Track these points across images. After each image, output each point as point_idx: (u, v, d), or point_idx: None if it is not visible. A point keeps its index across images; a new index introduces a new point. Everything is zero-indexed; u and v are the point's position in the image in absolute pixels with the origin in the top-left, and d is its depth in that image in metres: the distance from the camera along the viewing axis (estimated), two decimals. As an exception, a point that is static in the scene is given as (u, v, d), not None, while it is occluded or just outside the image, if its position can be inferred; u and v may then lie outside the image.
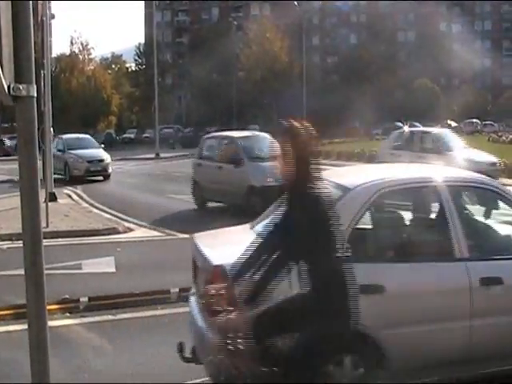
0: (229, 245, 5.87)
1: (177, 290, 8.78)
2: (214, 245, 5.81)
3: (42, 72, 16.49)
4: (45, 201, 14.01)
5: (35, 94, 3.03)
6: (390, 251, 5.44)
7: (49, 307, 4.04)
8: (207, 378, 5.99)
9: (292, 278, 4.23)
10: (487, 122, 72.84)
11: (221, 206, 17.69)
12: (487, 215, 6.21)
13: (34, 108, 3.05)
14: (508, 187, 6.16)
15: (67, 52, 77.85)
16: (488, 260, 5.42)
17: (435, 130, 25.23)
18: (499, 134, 53.77)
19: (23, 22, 2.96)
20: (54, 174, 27.18)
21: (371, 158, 28.48)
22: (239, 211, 14.46)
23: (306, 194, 3.92)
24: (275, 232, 4.15)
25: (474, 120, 73.15)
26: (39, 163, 3.20)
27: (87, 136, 33.53)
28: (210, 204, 18.13)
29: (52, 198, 17.39)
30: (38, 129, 3.38)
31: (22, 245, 3.27)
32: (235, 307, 4.44)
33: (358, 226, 5.19)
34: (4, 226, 13.98)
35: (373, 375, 4.91)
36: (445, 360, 5.07)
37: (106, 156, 28.55)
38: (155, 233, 14.40)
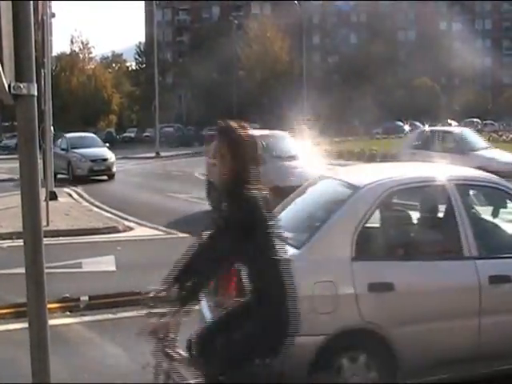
0: None
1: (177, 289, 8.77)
2: None
3: (42, 71, 16.49)
4: (45, 199, 14.01)
5: (36, 93, 3.03)
6: (399, 249, 5.46)
7: (49, 306, 4.04)
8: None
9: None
10: (487, 122, 72.85)
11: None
12: (495, 214, 6.23)
13: (35, 107, 3.06)
14: None
15: (67, 51, 77.89)
16: (496, 258, 5.44)
17: (457, 129, 24.44)
18: (499, 133, 53.73)
19: (24, 22, 2.96)
20: (58, 173, 27.15)
21: (371, 158, 28.50)
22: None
23: (242, 196, 3.87)
24: (217, 234, 4.05)
25: (475, 119, 73.13)
26: (39, 162, 3.20)
27: (91, 135, 33.06)
28: (204, 204, 18.08)
29: (52, 196, 17.39)
30: (39, 127, 3.39)
31: (22, 243, 3.27)
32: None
33: (367, 225, 5.21)
34: (4, 224, 13.99)
35: (382, 373, 4.93)
36: (454, 358, 5.10)
37: (110, 155, 27.97)
38: (155, 231, 14.40)
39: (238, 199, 3.88)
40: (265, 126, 72.81)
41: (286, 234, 5.45)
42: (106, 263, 10.91)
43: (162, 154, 45.21)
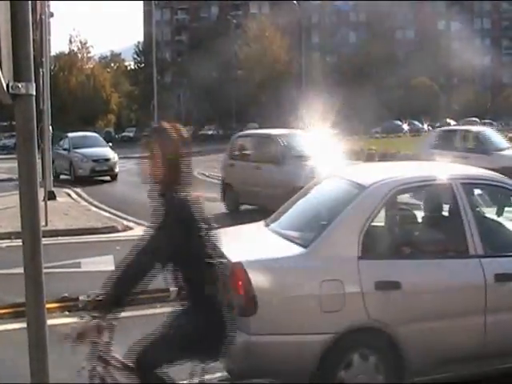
0: (245, 242, 5.96)
1: (176, 288, 8.77)
2: (230, 242, 5.85)
3: (40, 70, 16.47)
4: (44, 199, 14.00)
5: (34, 93, 3.03)
6: (406, 248, 5.47)
7: (48, 306, 4.03)
8: (206, 377, 5.99)
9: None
10: (486, 121, 72.85)
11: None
12: (500, 212, 6.25)
13: (33, 106, 3.05)
14: None
15: (66, 50, 77.87)
16: (502, 257, 5.46)
17: (479, 128, 23.18)
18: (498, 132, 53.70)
19: (22, 21, 2.96)
20: (61, 173, 26.93)
21: (370, 157, 28.46)
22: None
23: (174, 197, 3.85)
24: (152, 235, 3.99)
25: (473, 118, 73.12)
26: (38, 162, 3.19)
27: (94, 134, 32.64)
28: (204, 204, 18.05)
29: (51, 196, 17.38)
30: (37, 127, 3.38)
31: (21, 243, 3.27)
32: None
33: (373, 224, 5.24)
34: (3, 224, 13.98)
35: (389, 372, 4.95)
36: (459, 356, 5.13)
37: (112, 155, 27.47)
38: (154, 231, 14.39)
39: (169, 201, 3.86)
40: (264, 125, 72.76)
41: (293, 233, 5.48)
42: (105, 263, 10.88)
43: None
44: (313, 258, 5.02)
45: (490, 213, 6.27)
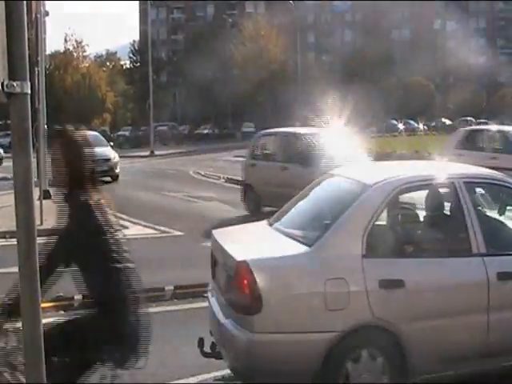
0: (250, 241, 6.00)
1: (171, 287, 8.79)
2: (235, 241, 5.87)
3: (36, 69, 16.47)
4: (39, 198, 13.97)
5: (29, 91, 3.02)
6: (409, 246, 5.52)
7: (43, 305, 4.02)
8: (205, 377, 6.02)
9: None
10: (482, 121, 72.94)
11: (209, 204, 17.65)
12: (502, 211, 6.28)
13: (28, 105, 3.04)
14: None
15: (61, 49, 77.69)
16: (504, 255, 5.51)
17: (508, 128, 22.61)
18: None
19: (17, 20, 2.95)
20: None
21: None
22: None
23: (76, 201, 3.82)
24: (59, 238, 3.98)
25: (469, 118, 73.25)
26: (33, 161, 3.19)
27: (94, 133, 31.68)
28: (200, 203, 18.04)
29: (46, 195, 17.34)
30: (32, 126, 3.37)
31: (16, 242, 3.26)
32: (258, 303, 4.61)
33: (377, 222, 5.28)
34: (-2, 223, 13.95)
35: (392, 370, 4.98)
36: (462, 354, 5.18)
37: (113, 155, 26.62)
38: (150, 230, 14.40)
39: (72, 204, 3.82)
40: (260, 124, 72.76)
41: (297, 232, 5.51)
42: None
43: (157, 152, 45.21)
44: (317, 256, 5.05)
45: (492, 212, 6.30)
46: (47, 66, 49.42)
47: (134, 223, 15.19)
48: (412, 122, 71.30)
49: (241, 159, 38.16)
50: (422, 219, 5.94)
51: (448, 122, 75.48)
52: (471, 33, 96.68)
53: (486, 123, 70.11)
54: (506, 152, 17.56)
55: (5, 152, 39.03)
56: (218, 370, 6.01)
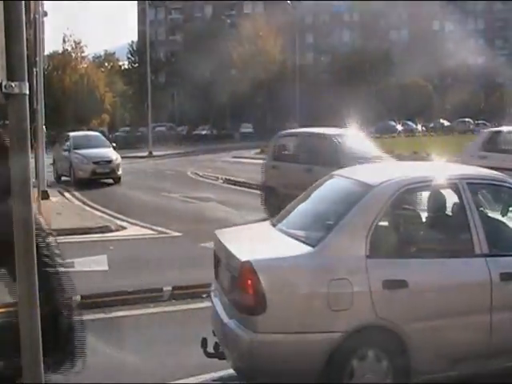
0: (254, 241, 6.00)
1: (169, 288, 8.80)
2: (238, 241, 5.88)
3: (34, 70, 16.44)
4: (37, 199, 13.97)
5: (27, 92, 3.02)
6: (412, 247, 5.56)
7: (41, 305, 4.02)
8: (205, 377, 6.03)
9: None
10: (480, 122, 72.97)
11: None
12: (504, 212, 6.31)
13: (27, 106, 3.04)
14: None
15: (60, 50, 77.59)
16: (507, 256, 5.52)
17: None
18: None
19: (15, 20, 2.95)
20: (61, 175, 26.27)
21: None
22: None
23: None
24: None
25: (467, 119, 73.27)
26: (31, 161, 3.19)
27: (96, 133, 31.41)
28: (198, 204, 17.98)
29: (44, 196, 17.35)
30: (31, 127, 3.37)
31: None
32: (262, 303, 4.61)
33: (381, 223, 5.29)
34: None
35: (396, 370, 4.99)
36: (466, 354, 5.19)
37: (115, 156, 25.76)
38: (148, 231, 14.40)
39: None
40: (258, 125, 72.67)
41: (300, 233, 5.52)
42: (99, 262, 10.89)
43: (155, 153, 45.19)
44: (321, 257, 5.07)
45: (495, 212, 6.32)
46: (46, 67, 49.40)
47: (132, 224, 15.19)
48: (410, 122, 71.39)
49: (240, 160, 38.33)
50: (425, 220, 5.95)
51: (446, 122, 75.56)
52: (469, 33, 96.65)
53: (484, 124, 70.27)
54: None
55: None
56: (217, 370, 6.02)
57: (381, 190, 5.41)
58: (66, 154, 25.76)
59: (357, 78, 76.33)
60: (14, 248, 3.41)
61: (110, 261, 10.99)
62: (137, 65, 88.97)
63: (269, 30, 75.66)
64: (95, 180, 24.61)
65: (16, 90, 2.95)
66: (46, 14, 26.78)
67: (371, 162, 12.50)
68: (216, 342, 5.64)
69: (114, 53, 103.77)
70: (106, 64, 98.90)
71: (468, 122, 72.90)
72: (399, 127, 66.36)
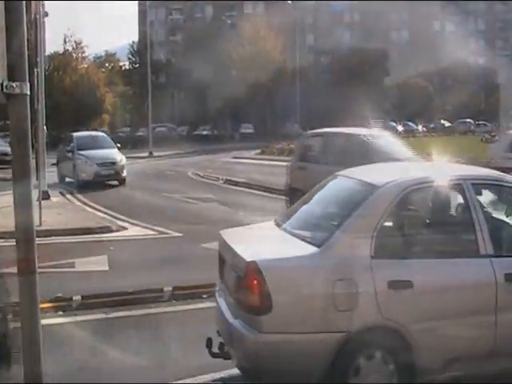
0: (258, 241, 6.00)
1: (170, 288, 8.79)
2: (243, 241, 5.88)
3: (35, 70, 16.42)
4: (38, 199, 13.97)
5: (28, 92, 3.03)
6: (417, 247, 5.55)
7: (42, 305, 4.03)
8: (205, 378, 6.03)
9: None
10: (480, 122, 72.98)
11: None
12: (509, 212, 6.31)
13: (27, 106, 3.05)
14: None
15: (61, 50, 77.53)
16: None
17: None
18: (492, 133, 53.66)
19: (16, 21, 2.96)
20: (65, 176, 25.80)
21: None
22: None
23: None
24: None
25: (467, 120, 73.27)
26: (32, 161, 3.19)
27: (101, 134, 30.78)
28: (198, 204, 17.95)
29: (45, 196, 17.35)
30: (31, 127, 3.38)
31: (14, 243, 3.26)
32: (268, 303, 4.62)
33: (386, 223, 5.30)
34: (-3, 224, 13.94)
35: (401, 370, 5.00)
36: (470, 355, 5.20)
37: (119, 157, 25.06)
38: (148, 231, 14.39)
39: None
40: (258, 126, 72.63)
41: (305, 233, 5.53)
42: (99, 263, 10.90)
43: (155, 153, 45.19)
44: (326, 257, 5.07)
45: (500, 213, 6.32)
46: (46, 67, 49.41)
47: (133, 224, 15.19)
48: (411, 123, 71.37)
49: (240, 160, 38.31)
50: (429, 220, 5.94)
51: (447, 123, 75.56)
52: (470, 34, 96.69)
53: (485, 125, 70.24)
54: None
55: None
56: (218, 371, 6.02)
57: (386, 190, 5.42)
58: (70, 154, 25.16)
59: (357, 78, 76.28)
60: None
61: (111, 261, 10.99)
62: (137, 65, 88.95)
63: (269, 30, 75.59)
64: (99, 182, 23.92)
65: (17, 91, 2.96)
66: (46, 14, 26.79)
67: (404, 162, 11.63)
68: (221, 342, 5.65)
69: (115, 53, 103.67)
70: (107, 64, 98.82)
71: (469, 122, 72.93)
72: (400, 128, 66.31)
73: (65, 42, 76.15)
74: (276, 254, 5.27)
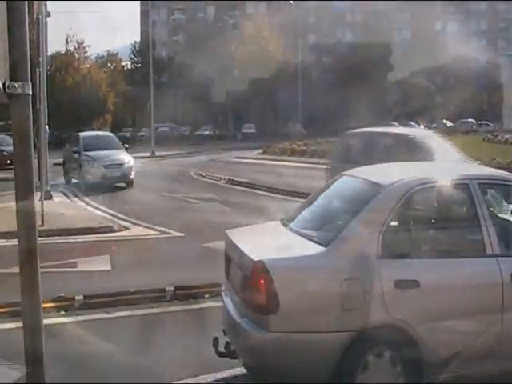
0: (265, 241, 6.03)
1: (172, 288, 8.79)
2: (250, 241, 5.89)
3: (37, 70, 16.47)
4: (40, 199, 13.99)
5: (30, 92, 3.03)
6: (424, 247, 5.56)
7: (44, 305, 4.04)
8: (205, 377, 6.03)
9: None
10: (482, 122, 72.91)
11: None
12: None
13: (29, 106, 3.05)
14: None
15: (63, 50, 77.58)
16: None
17: None
18: (494, 133, 53.67)
19: (18, 21, 2.96)
20: (72, 178, 25.10)
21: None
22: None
23: None
24: None
25: (470, 119, 73.19)
26: (34, 161, 3.20)
27: (108, 134, 29.98)
28: (201, 204, 17.95)
29: (47, 196, 17.37)
30: (34, 127, 3.38)
31: (16, 243, 3.27)
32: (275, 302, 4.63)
33: (392, 223, 5.31)
34: (-1, 224, 13.95)
35: (408, 369, 5.01)
36: (477, 354, 5.20)
37: (127, 159, 24.19)
38: (150, 231, 14.40)
39: None
40: (260, 125, 72.64)
41: (311, 232, 5.54)
42: (101, 263, 10.91)
43: (158, 153, 45.20)
44: (333, 256, 5.08)
45: (506, 213, 6.32)
46: (49, 67, 49.43)
47: (135, 224, 15.20)
48: (413, 123, 71.30)
49: (242, 160, 38.30)
50: (436, 220, 5.93)
51: (449, 123, 75.45)
52: (472, 34, 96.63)
53: (487, 125, 70.19)
54: None
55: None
56: (220, 371, 6.03)
57: (392, 190, 5.43)
58: (76, 155, 24.29)
59: (359, 78, 76.24)
60: None
61: (113, 261, 11.00)
62: (139, 65, 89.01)
63: (271, 30, 75.63)
64: (106, 184, 22.79)
65: (19, 91, 2.97)
66: (49, 14, 26.82)
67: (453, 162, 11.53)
68: (227, 341, 5.66)
69: (117, 53, 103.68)
70: (109, 64, 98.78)
71: (471, 122, 72.84)
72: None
73: (67, 42, 76.22)
74: (283, 254, 5.28)
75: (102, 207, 18.07)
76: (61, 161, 27.29)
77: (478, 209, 5.46)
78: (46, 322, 3.63)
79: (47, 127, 19.23)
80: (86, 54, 79.86)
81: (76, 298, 8.43)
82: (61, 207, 17.62)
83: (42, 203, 14.38)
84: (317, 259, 5.10)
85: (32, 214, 3.11)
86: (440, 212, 5.96)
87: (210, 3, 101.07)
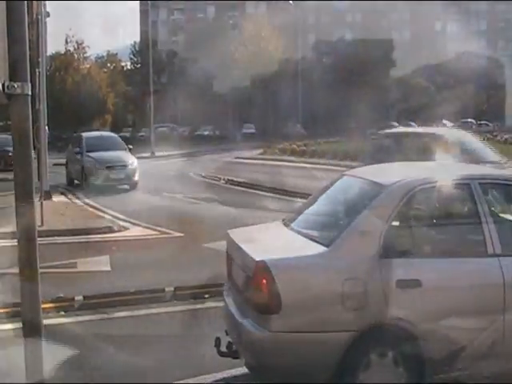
0: (267, 241, 6.03)
1: (171, 288, 8.79)
2: (252, 241, 5.90)
3: (37, 70, 16.47)
4: (40, 199, 13.98)
5: (30, 92, 3.03)
6: (426, 247, 5.56)
7: (43, 306, 4.03)
8: (205, 378, 6.03)
9: None
10: (482, 122, 72.94)
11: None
12: None
13: (29, 106, 3.05)
14: None
15: (62, 50, 77.58)
16: None
17: None
18: (494, 133, 53.69)
19: (18, 21, 2.96)
20: (74, 179, 24.73)
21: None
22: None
23: None
24: None
25: (469, 120, 73.17)
26: (34, 161, 3.19)
27: (112, 134, 29.60)
28: (200, 204, 17.95)
29: (47, 196, 17.36)
30: (33, 127, 3.38)
31: (16, 243, 3.26)
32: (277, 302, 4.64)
33: (394, 223, 5.31)
34: (-1, 224, 13.95)
35: (409, 369, 5.01)
36: (478, 354, 5.19)
37: (130, 160, 23.59)
38: (150, 231, 14.39)
39: None
40: (260, 126, 72.61)
41: (313, 232, 5.54)
42: (101, 263, 10.90)
43: (157, 153, 45.20)
44: (335, 256, 5.09)
45: (507, 212, 6.33)
46: (48, 67, 49.45)
47: (134, 224, 15.19)
48: (413, 123, 71.29)
49: (242, 160, 38.28)
50: (437, 220, 5.93)
51: (449, 123, 75.48)
52: (472, 34, 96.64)
53: (487, 125, 70.23)
54: None
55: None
56: (220, 371, 6.03)
57: (394, 190, 5.43)
58: (79, 156, 23.81)
59: (358, 78, 76.26)
60: None
61: (113, 261, 11.00)
62: (139, 65, 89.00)
63: (271, 30, 75.64)
64: (109, 186, 22.32)
65: (18, 91, 2.96)
66: (48, 14, 26.81)
67: (498, 166, 11.29)
68: (229, 341, 5.66)
69: (117, 53, 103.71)
70: (109, 64, 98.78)
71: (471, 122, 72.80)
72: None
73: (66, 42, 76.27)
74: (285, 254, 5.29)
75: (101, 207, 18.06)
76: (61, 161, 27.29)
77: (480, 208, 5.46)
78: (45, 322, 3.63)
79: (47, 127, 19.23)
80: (85, 55, 79.96)
81: (76, 298, 8.43)
82: (60, 207, 17.62)
83: (42, 203, 14.37)
84: (319, 259, 5.10)
85: (31, 214, 3.11)
86: (441, 212, 5.96)
87: (209, 3, 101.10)
